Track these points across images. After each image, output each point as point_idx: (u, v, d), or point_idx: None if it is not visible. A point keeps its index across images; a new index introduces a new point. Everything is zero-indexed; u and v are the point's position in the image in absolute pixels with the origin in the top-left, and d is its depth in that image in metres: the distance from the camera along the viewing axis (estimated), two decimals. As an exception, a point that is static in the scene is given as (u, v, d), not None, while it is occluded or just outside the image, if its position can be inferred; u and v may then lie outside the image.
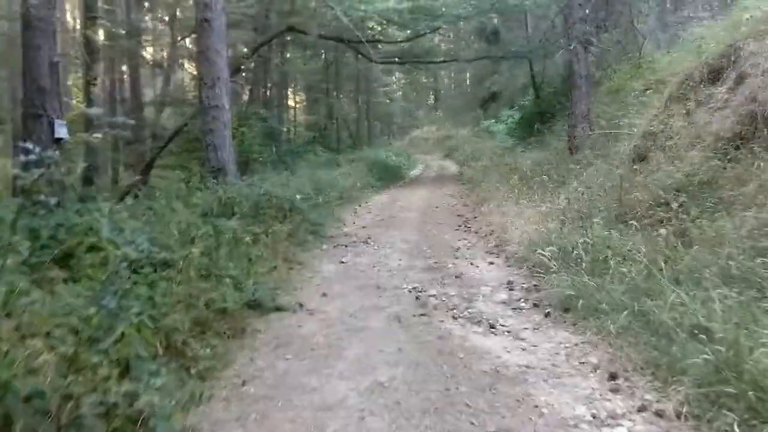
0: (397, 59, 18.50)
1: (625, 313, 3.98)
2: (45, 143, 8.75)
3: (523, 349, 3.94)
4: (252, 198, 6.82)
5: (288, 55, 26.55)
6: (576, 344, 3.96)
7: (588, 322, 4.17)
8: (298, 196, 7.52)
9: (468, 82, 38.04)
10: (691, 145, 5.53)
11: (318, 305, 4.90)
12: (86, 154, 17.08)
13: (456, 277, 5.75)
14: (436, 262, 6.40)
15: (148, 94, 28.77)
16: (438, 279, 5.69)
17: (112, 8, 26.11)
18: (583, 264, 4.78)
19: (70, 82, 28.25)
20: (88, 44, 16.77)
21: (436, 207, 10.96)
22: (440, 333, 4.20)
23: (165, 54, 25.32)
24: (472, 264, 6.27)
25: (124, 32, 26.24)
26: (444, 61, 20.61)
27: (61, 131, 8.87)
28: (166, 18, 24.65)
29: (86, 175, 17.21)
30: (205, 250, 4.70)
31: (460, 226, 8.78)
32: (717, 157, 5.09)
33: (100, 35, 27.37)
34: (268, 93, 26.25)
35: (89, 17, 16.68)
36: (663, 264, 4.13)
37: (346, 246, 7.40)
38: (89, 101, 16.58)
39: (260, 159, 17.39)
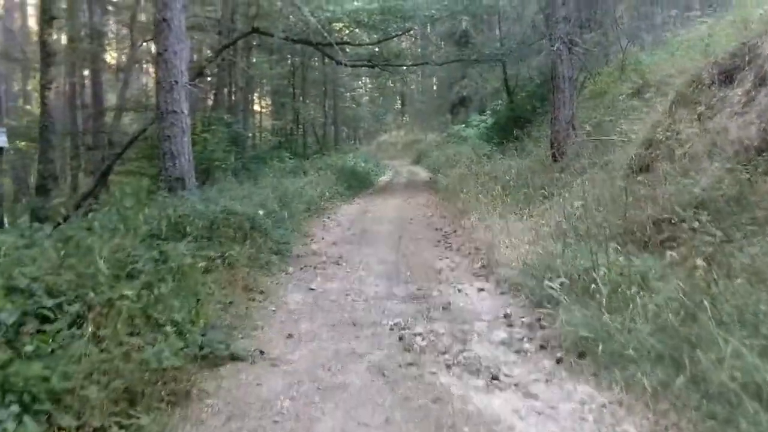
0: (366, 62, 17.61)
1: (662, 364, 3.18)
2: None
3: (539, 413, 3.09)
4: (207, 215, 5.83)
5: (254, 59, 25.51)
6: (604, 405, 3.12)
7: (612, 373, 3.34)
8: (260, 212, 6.55)
9: (436, 87, 37.39)
10: (708, 154, 4.77)
11: (282, 352, 3.97)
12: (42, 162, 15.78)
13: (443, 308, 4.87)
14: (418, 289, 5.51)
15: (111, 99, 27.29)
16: (423, 311, 4.81)
17: (74, 11, 24.73)
18: (599, 297, 3.95)
19: (29, 87, 26.64)
20: (45, 47, 15.49)
21: (411, 219, 10.08)
22: (435, 393, 3.31)
23: (123, 58, 23.98)
24: (459, 291, 5.40)
25: (85, 35, 24.88)
26: (415, 65, 19.80)
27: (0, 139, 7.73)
28: (128, 20, 23.32)
29: (40, 184, 15.92)
30: (144, 286, 3.73)
31: (439, 242, 7.92)
32: (743, 169, 4.33)
33: (61, 38, 25.89)
34: (233, 97, 25.16)
35: (46, 19, 15.39)
36: (705, 302, 3.32)
37: (314, 268, 6.46)
38: (44, 106, 15.29)
39: (223, 166, 16.32)
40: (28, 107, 22.27)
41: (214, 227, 5.72)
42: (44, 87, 14.96)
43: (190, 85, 12.06)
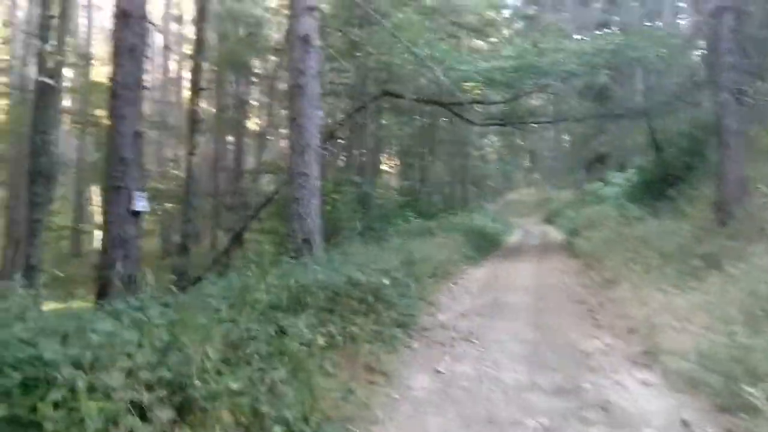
0: (498, 121, 17.09)
1: None
2: (123, 216, 7.99)
3: None
4: (330, 285, 5.45)
5: (383, 121, 26.02)
6: None
7: None
8: (385, 280, 6.08)
9: (569, 143, 35.95)
10: None
11: (406, 459, 3.36)
12: (184, 222, 16.78)
13: (601, 408, 4.01)
14: (565, 378, 4.67)
15: (252, 162, 29.09)
16: (574, 411, 3.98)
17: (223, 83, 26.96)
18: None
19: (180, 153, 29.09)
20: (192, 116, 16.74)
21: (548, 287, 9.16)
22: None
23: (261, 123, 25.49)
24: (617, 383, 4.49)
25: (231, 104, 26.94)
26: (551, 122, 18.97)
27: (140, 204, 8.02)
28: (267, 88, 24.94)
29: (181, 243, 16.86)
30: (255, 374, 3.34)
31: (584, 317, 6.97)
32: None
33: (207, 107, 28.15)
34: (362, 158, 25.71)
35: (195, 91, 16.67)
36: None
37: (442, 344, 5.82)
38: (189, 170, 16.37)
39: (350, 227, 16.35)
40: (174, 172, 24.09)
41: (337, 298, 5.32)
42: (190, 153, 16.02)
43: (321, 148, 12.21)
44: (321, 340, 4.51)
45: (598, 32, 20.98)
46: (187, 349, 3.14)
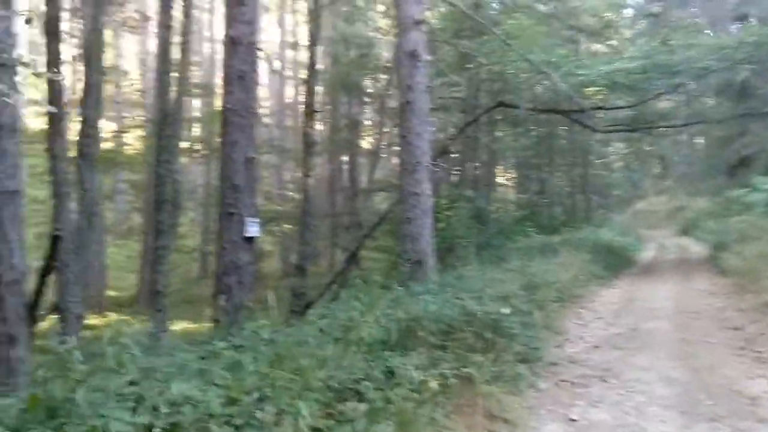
0: (623, 127, 15.78)
1: None
2: (236, 242, 8.04)
3: None
4: (443, 317, 4.97)
5: (498, 133, 25.23)
6: None
7: None
8: (505, 309, 5.48)
9: (705, 147, 32.85)
10: None
11: None
12: (301, 243, 17.06)
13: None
14: (729, 434, 3.86)
15: (365, 181, 29.34)
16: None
17: (336, 104, 27.55)
18: None
19: (297, 175, 30.06)
20: (306, 139, 17.06)
21: (695, 313, 8.04)
22: None
23: (374, 142, 25.63)
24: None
25: (344, 125, 27.43)
26: (685, 125, 17.25)
27: (252, 230, 8.04)
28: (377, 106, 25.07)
29: (298, 264, 17.13)
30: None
31: (743, 349, 5.94)
32: None
33: (321, 129, 28.85)
34: (476, 172, 25.03)
35: (308, 113, 17.00)
36: None
37: (573, 384, 5.12)
38: (305, 192, 16.65)
39: (465, 244, 15.75)
40: (291, 194, 24.79)
41: (451, 332, 4.83)
42: (305, 174, 16.26)
43: (432, 165, 11.83)
44: (433, 383, 4.05)
45: (735, 26, 18.96)
46: (280, 403, 2.81)
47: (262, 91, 32.34)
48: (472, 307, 5.29)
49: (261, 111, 28.32)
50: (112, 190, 23.99)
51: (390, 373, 3.97)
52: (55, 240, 5.47)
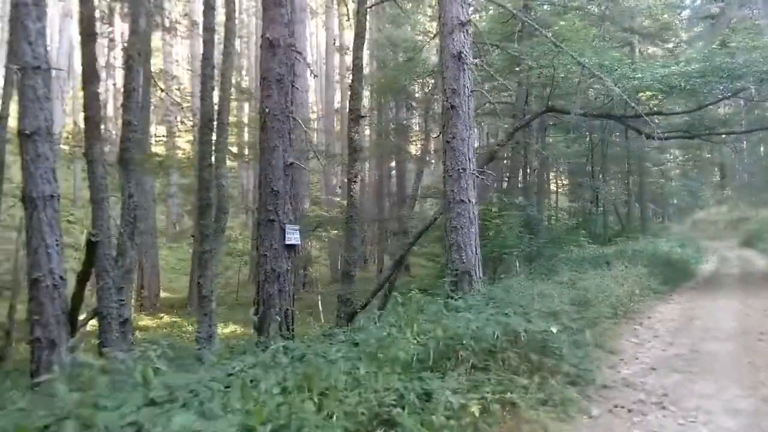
0: (682, 133, 15.00)
1: None
2: (276, 250, 7.90)
3: None
4: (486, 335, 4.63)
5: (549, 140, 24.58)
6: None
7: None
8: (553, 329, 5.11)
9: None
10: None
11: None
12: (347, 250, 16.92)
13: None
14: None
15: (413, 187, 29.08)
16: None
17: (382, 109, 27.42)
18: None
19: (335, 182, 30.04)
20: (351, 143, 16.93)
21: (762, 333, 7.41)
22: None
23: (421, 147, 25.34)
24: None
25: (391, 130, 27.27)
26: (746, 132, 16.30)
27: (292, 237, 7.89)
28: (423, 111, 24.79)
29: (345, 270, 17.00)
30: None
31: (822, 378, 5.37)
32: None
33: (368, 134, 28.73)
34: (527, 179, 24.43)
35: (353, 118, 16.87)
36: None
37: (629, 411, 4.69)
38: (350, 198, 16.51)
39: (514, 253, 15.26)
40: (337, 199, 24.71)
41: (494, 352, 4.49)
42: (350, 180, 16.11)
43: (478, 172, 11.47)
44: (474, 408, 3.74)
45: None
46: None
47: (310, 96, 32.57)
48: (518, 324, 4.93)
49: (309, 116, 28.51)
50: (165, 194, 24.47)
51: (426, 396, 3.68)
52: (90, 245, 5.41)
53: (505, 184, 26.29)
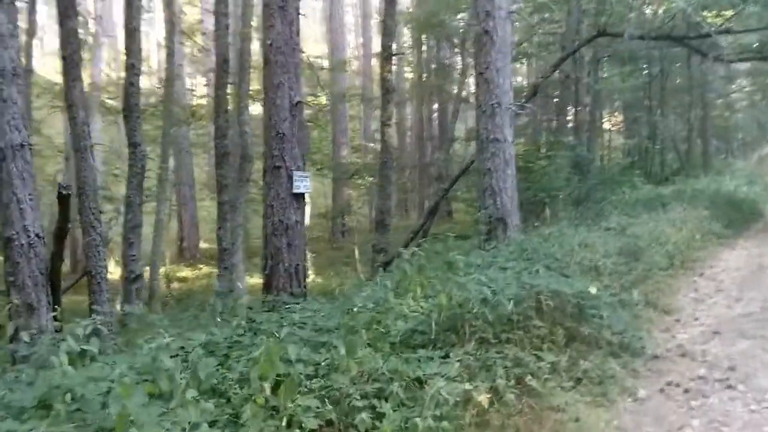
0: (757, 55, 13.18)
1: None
2: (284, 200, 7.15)
3: None
4: (501, 302, 3.72)
5: (603, 74, 22.73)
6: None
7: None
8: (592, 289, 4.17)
9: None
10: None
11: None
12: (381, 197, 16.13)
13: None
14: None
15: (460, 129, 27.76)
16: None
17: (419, 46, 25.92)
18: None
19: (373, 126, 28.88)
20: (384, 84, 15.87)
21: None
22: None
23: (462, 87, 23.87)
24: None
25: (431, 70, 25.84)
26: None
27: (301, 185, 7.12)
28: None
29: (379, 219, 16.27)
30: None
31: None
32: None
33: (408, 75, 27.35)
34: (578, 117, 22.84)
35: (385, 57, 15.75)
36: None
37: (685, 391, 3.78)
38: (383, 143, 15.57)
39: (561, 197, 14.11)
40: (371, 145, 23.68)
41: (513, 321, 3.62)
42: (383, 123, 15.13)
43: (517, 107, 10.33)
44: (482, 397, 2.94)
45: None
46: None
47: (348, 37, 31.26)
48: (549, 284, 4.01)
49: (346, 58, 27.27)
50: (201, 145, 24.06)
51: (419, 383, 2.89)
52: (62, 198, 4.80)
53: (555, 123, 24.80)
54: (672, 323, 5.27)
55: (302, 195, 6.92)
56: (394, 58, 16.53)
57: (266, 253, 6.88)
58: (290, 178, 6.74)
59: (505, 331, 3.56)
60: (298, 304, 5.93)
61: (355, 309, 3.65)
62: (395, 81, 26.97)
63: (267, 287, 6.88)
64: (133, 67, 7.91)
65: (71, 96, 6.06)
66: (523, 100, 12.15)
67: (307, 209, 19.27)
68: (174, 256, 17.85)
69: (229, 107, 10.44)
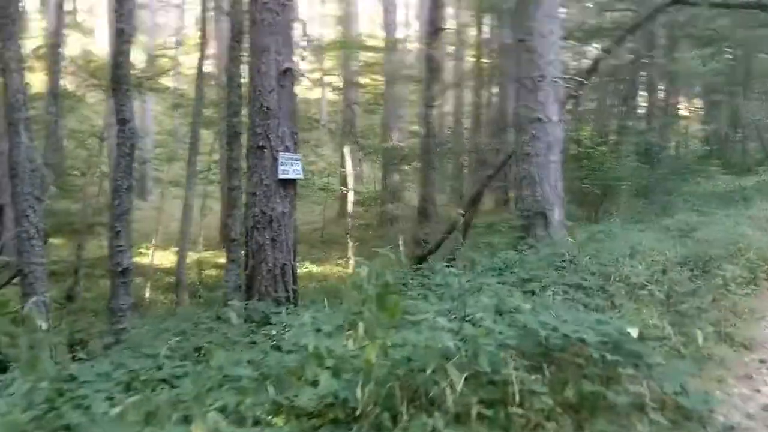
0: None
1: None
2: (269, 186, 5.96)
3: None
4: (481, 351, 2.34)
5: (679, 55, 20.38)
6: None
7: None
8: (632, 331, 2.74)
9: None
10: None
11: None
12: (424, 185, 14.82)
13: None
14: None
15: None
16: None
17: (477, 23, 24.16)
18: None
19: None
20: (429, 62, 14.49)
21: None
22: None
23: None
24: None
25: (491, 50, 24.09)
26: None
27: (290, 169, 5.89)
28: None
29: (422, 207, 14.97)
30: None
31: None
32: None
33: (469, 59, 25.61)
34: (651, 102, 20.69)
35: (431, 32, 14.36)
36: None
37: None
38: (427, 126, 14.23)
39: (624, 187, 12.35)
40: (414, 128, 22.12)
41: (497, 385, 2.26)
42: (427, 105, 13.78)
43: (575, 85, 8.78)
44: None
45: None
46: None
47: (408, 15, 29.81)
48: (571, 330, 2.61)
49: (400, 37, 25.87)
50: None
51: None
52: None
53: (624, 109, 22.66)
54: (755, 365, 3.73)
55: (292, 181, 5.74)
56: (444, 35, 15.07)
57: (247, 250, 5.77)
58: (275, 160, 5.56)
59: (493, 396, 2.22)
60: (279, 313, 4.86)
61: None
62: (452, 64, 25.34)
63: (248, 291, 5.77)
64: (122, 33, 6.90)
65: (4, 59, 5.10)
66: (580, 78, 10.49)
67: (350, 196, 18.20)
68: (216, 241, 17.14)
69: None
